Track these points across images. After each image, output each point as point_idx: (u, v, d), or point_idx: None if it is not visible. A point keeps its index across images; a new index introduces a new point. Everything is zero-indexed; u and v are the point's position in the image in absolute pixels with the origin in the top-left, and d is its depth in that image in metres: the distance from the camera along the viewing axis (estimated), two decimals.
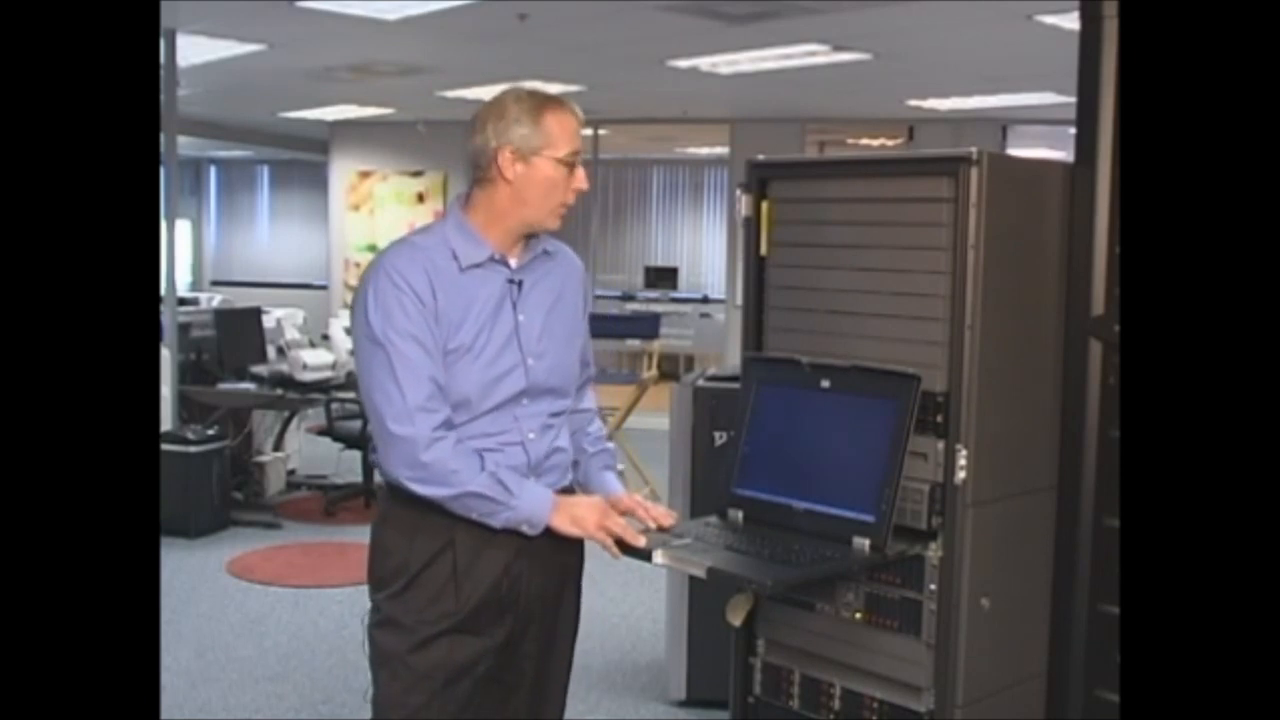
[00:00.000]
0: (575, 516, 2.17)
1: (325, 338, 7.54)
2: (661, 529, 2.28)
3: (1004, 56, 7.06)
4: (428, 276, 2.14)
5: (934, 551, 2.28)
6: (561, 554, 2.27)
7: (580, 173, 2.21)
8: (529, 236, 2.26)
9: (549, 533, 2.21)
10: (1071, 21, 2.50)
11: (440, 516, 2.17)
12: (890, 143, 10.65)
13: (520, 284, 2.23)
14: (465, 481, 2.11)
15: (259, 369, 6.85)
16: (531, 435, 2.22)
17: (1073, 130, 2.44)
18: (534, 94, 2.20)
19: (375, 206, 11.66)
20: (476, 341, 2.16)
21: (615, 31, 6.65)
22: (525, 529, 2.15)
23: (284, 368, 6.80)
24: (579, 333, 2.35)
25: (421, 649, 2.17)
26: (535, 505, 2.15)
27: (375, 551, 2.25)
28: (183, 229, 14.11)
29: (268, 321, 7.32)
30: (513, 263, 2.23)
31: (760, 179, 2.55)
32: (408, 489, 2.14)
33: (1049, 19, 5.79)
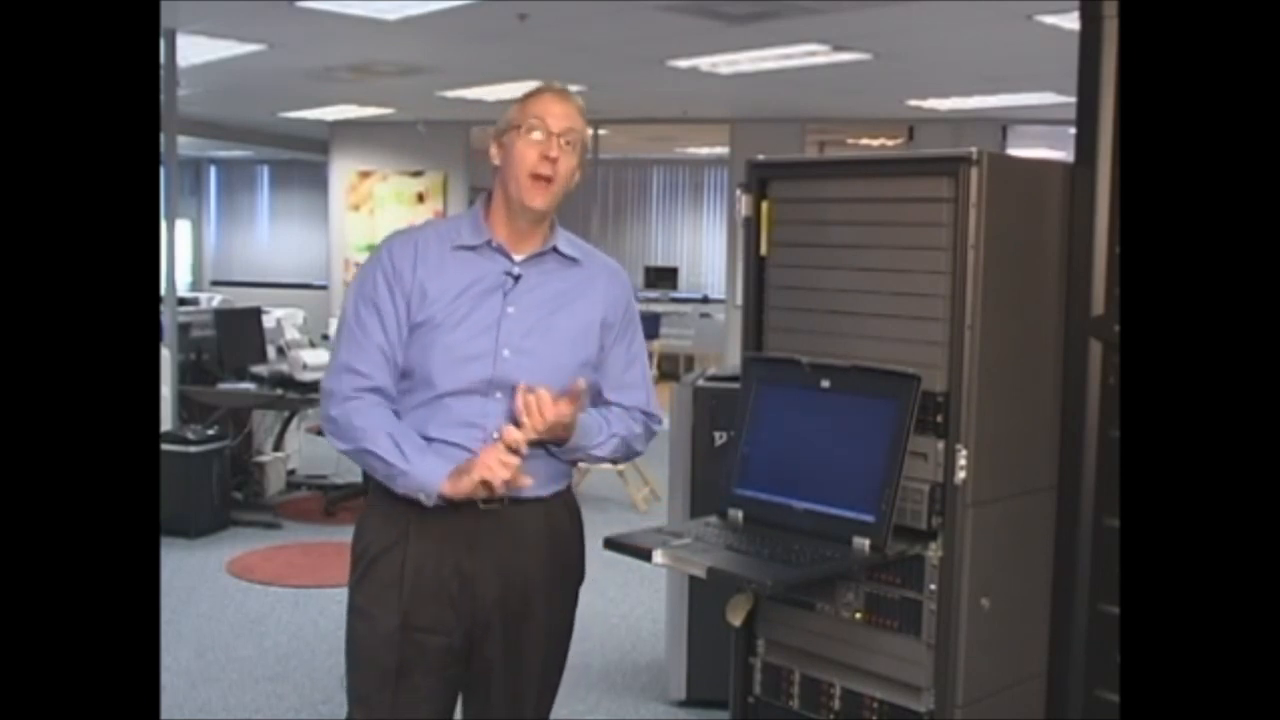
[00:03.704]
0: (458, 473, 2.13)
1: (325, 338, 7.55)
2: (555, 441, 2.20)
3: (1004, 56, 7.06)
4: (414, 253, 2.23)
5: (934, 551, 2.28)
6: (522, 563, 2.23)
7: (540, 136, 2.20)
8: (542, 234, 2.27)
9: (504, 538, 2.21)
10: (1071, 21, 2.50)
11: (399, 506, 2.19)
12: (890, 143, 10.66)
13: (519, 278, 2.24)
14: (364, 439, 2.17)
15: (259, 369, 6.85)
16: (497, 435, 2.18)
17: (1073, 130, 2.44)
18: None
19: (375, 206, 11.67)
20: (448, 318, 2.19)
21: (615, 31, 6.65)
22: (422, 498, 2.15)
23: (284, 368, 6.80)
24: (587, 344, 2.28)
25: (374, 636, 2.20)
26: (427, 474, 2.14)
27: (352, 538, 2.31)
28: (183, 229, 14.12)
29: (268, 321, 7.32)
30: (517, 256, 2.25)
31: (760, 179, 2.55)
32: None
33: (1049, 19, 5.79)
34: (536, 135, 2.20)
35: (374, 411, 2.19)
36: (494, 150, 2.28)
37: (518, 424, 2.16)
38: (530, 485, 2.16)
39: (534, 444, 2.18)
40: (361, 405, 2.19)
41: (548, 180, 2.20)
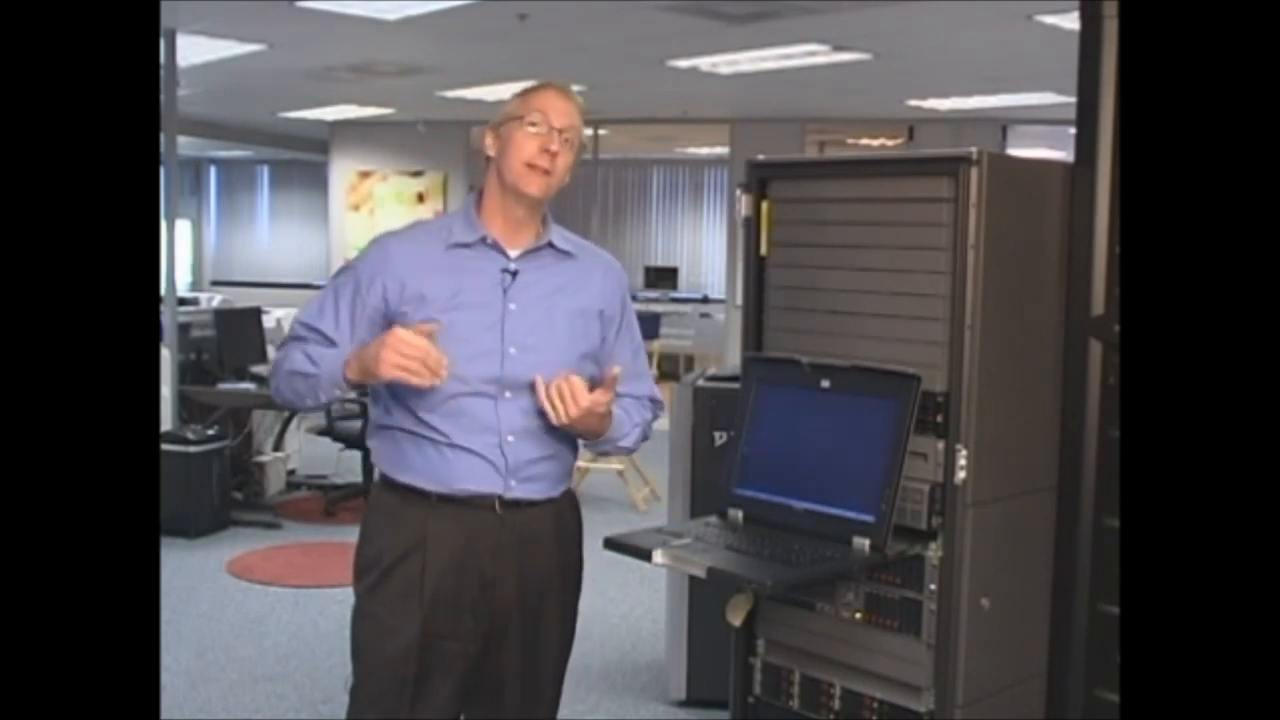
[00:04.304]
0: (363, 361, 2.12)
1: None
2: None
3: (1004, 56, 7.06)
4: (406, 259, 2.22)
5: (934, 551, 2.28)
6: (537, 564, 2.24)
7: (542, 130, 2.19)
8: (536, 228, 2.27)
9: (522, 542, 2.21)
10: (1071, 21, 2.50)
11: (416, 511, 2.19)
12: (890, 143, 10.66)
13: (516, 273, 2.23)
14: (284, 364, 2.23)
15: (259, 369, 6.85)
16: (510, 438, 2.19)
17: (1073, 130, 2.44)
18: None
19: (375, 206, 11.66)
20: (450, 318, 2.17)
21: (615, 31, 6.65)
22: (337, 392, 2.21)
23: None
24: (588, 336, 2.28)
25: (393, 645, 2.19)
26: (332, 368, 2.18)
27: (359, 540, 2.30)
28: (183, 229, 14.12)
29: (268, 321, 7.33)
30: (512, 253, 2.24)
31: (760, 179, 2.55)
32: (388, 478, 2.26)
33: (1049, 19, 5.79)
34: (538, 129, 2.20)
35: (290, 350, 2.25)
36: (489, 141, 2.27)
37: (540, 414, 2.17)
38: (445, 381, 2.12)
39: (565, 435, 2.21)
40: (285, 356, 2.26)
41: (545, 172, 2.20)
